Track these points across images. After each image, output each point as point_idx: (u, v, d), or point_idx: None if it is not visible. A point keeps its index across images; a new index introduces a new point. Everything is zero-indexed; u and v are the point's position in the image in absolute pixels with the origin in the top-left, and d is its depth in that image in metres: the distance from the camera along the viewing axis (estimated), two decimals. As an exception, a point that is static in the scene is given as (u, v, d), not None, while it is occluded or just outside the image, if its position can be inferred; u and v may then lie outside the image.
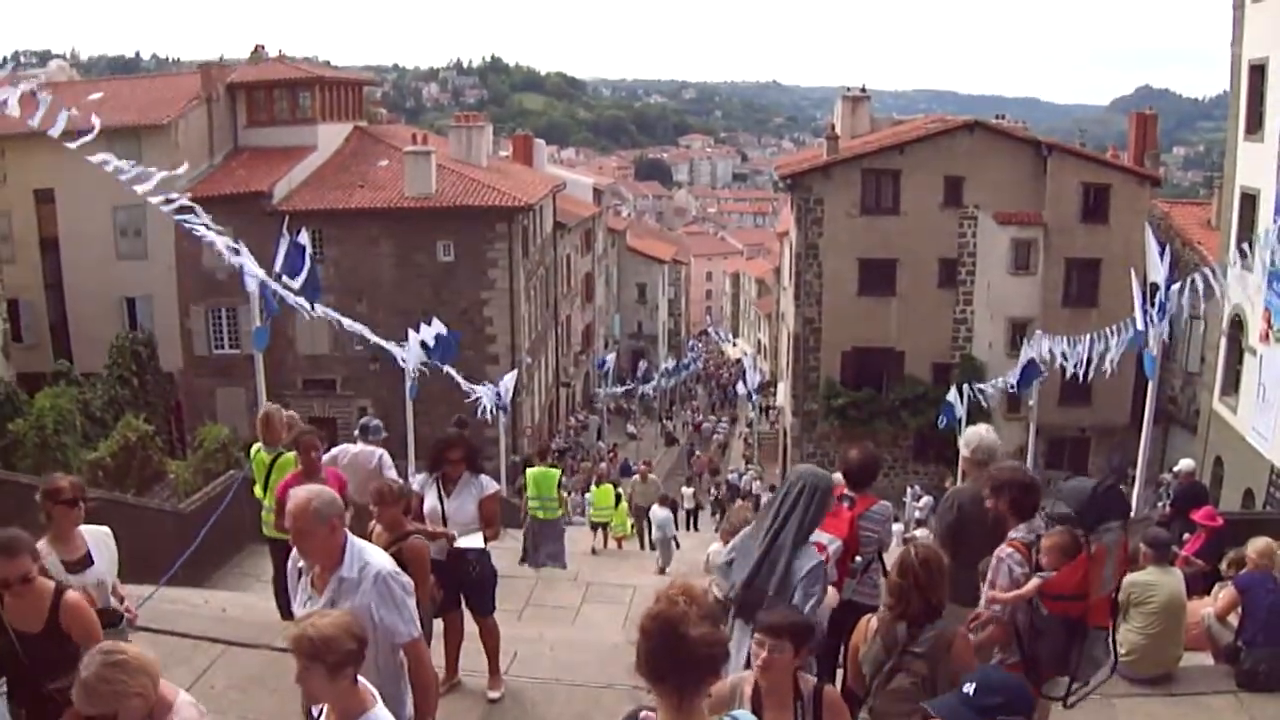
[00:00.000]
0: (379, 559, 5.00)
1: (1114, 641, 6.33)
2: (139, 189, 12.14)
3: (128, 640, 5.26)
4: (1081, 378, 17.76)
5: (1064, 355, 18.76)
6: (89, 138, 11.06)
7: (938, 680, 5.11)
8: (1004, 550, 6.06)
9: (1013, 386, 23.67)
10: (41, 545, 6.07)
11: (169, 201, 12.48)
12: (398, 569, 5.05)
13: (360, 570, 4.87)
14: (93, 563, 6.27)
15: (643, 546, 21.66)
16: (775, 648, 4.53)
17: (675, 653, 3.34)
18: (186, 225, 12.97)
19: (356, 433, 11.16)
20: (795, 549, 5.70)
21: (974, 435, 7.53)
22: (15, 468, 19.02)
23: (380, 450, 10.49)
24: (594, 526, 21.86)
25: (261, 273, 13.54)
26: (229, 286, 30.88)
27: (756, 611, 5.08)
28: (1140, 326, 12.35)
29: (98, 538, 6.41)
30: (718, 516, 31.38)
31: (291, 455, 9.31)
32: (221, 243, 13.13)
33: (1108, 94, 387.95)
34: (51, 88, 39.94)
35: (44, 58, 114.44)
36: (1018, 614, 5.92)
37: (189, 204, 12.72)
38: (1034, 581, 5.85)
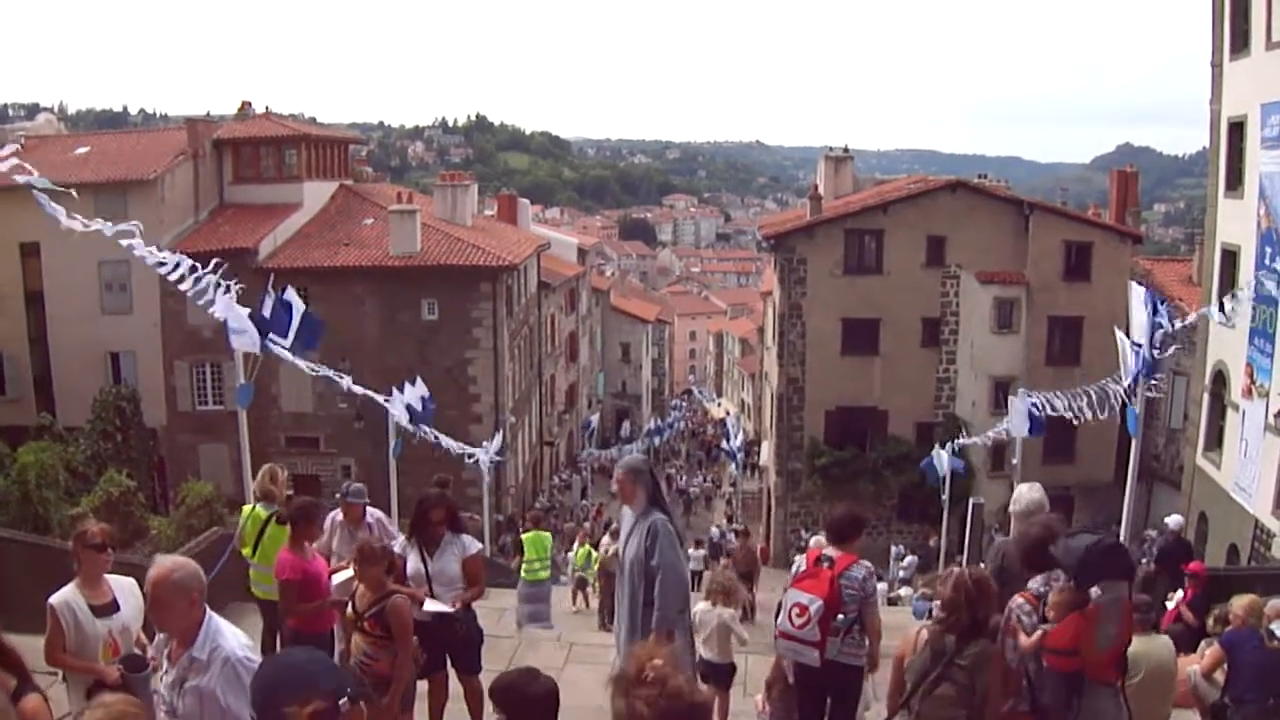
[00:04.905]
0: (232, 643, 4.79)
1: (1125, 698, 6.33)
2: (119, 239, 11.83)
3: (151, 688, 5.21)
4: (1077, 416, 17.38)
5: (1050, 406, 18.67)
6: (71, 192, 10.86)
7: (976, 691, 5.53)
8: (1016, 600, 6.33)
9: (1004, 435, 22.90)
10: (70, 588, 6.18)
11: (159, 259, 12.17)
12: (252, 654, 4.83)
13: (210, 652, 4.70)
14: (119, 608, 6.32)
15: (603, 616, 19.31)
16: None
17: None
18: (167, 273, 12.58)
19: (337, 495, 10.65)
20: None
21: (1019, 492, 8.14)
22: (-4, 522, 18.84)
23: (375, 512, 9.92)
24: (581, 584, 21.66)
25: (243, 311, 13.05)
26: (213, 343, 30.83)
27: None
28: (1128, 381, 12.31)
29: (124, 587, 6.43)
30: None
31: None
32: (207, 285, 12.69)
33: (1088, 152, 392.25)
34: (39, 141, 40.49)
35: (32, 110, 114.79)
36: (1028, 663, 6.05)
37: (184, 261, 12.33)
38: (1036, 634, 6.00)
